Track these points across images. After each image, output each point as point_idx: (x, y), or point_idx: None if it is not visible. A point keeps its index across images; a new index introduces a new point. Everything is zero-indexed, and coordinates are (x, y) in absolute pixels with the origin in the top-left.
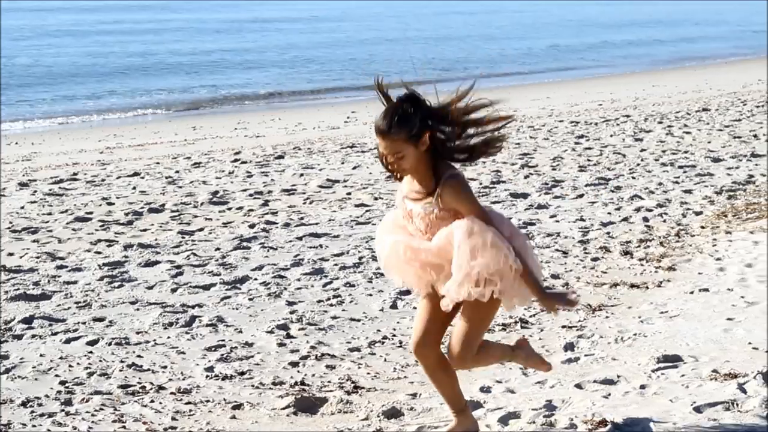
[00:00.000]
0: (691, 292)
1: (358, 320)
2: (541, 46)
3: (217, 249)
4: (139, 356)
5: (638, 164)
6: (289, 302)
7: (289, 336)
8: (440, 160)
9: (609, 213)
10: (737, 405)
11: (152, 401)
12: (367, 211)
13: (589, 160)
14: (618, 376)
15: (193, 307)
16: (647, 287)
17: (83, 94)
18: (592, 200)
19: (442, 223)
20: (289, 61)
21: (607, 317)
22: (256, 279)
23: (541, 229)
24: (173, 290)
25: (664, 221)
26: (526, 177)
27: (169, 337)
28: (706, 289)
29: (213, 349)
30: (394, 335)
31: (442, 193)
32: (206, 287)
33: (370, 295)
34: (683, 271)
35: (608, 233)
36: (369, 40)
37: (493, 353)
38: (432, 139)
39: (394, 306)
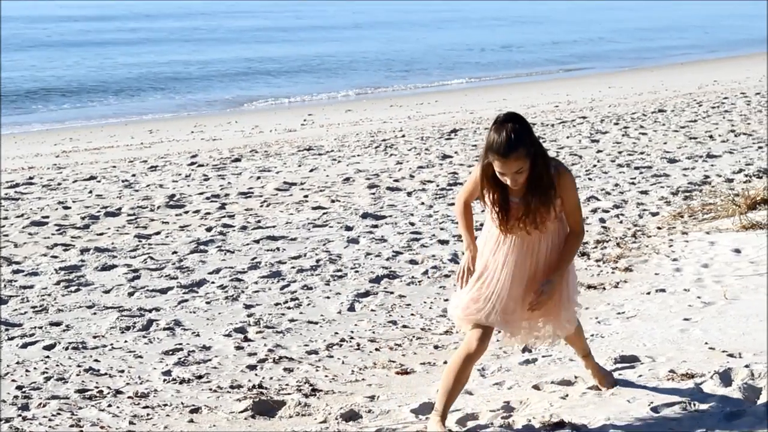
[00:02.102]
0: (648, 293)
1: (316, 323)
2: (495, 46)
3: (174, 252)
4: (96, 360)
5: (594, 165)
6: (247, 305)
7: (246, 339)
8: None
9: None
10: (694, 405)
11: (110, 405)
12: (324, 213)
13: None
14: (575, 377)
15: (150, 310)
16: (604, 288)
17: (41, 100)
18: None
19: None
20: (248, 68)
21: None
22: (213, 282)
23: None
24: (130, 294)
25: (621, 222)
26: None
27: (126, 341)
28: (663, 290)
29: (170, 352)
30: (351, 338)
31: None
32: (163, 291)
33: (328, 297)
34: (640, 271)
35: None
36: (320, 39)
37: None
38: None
39: (351, 308)
